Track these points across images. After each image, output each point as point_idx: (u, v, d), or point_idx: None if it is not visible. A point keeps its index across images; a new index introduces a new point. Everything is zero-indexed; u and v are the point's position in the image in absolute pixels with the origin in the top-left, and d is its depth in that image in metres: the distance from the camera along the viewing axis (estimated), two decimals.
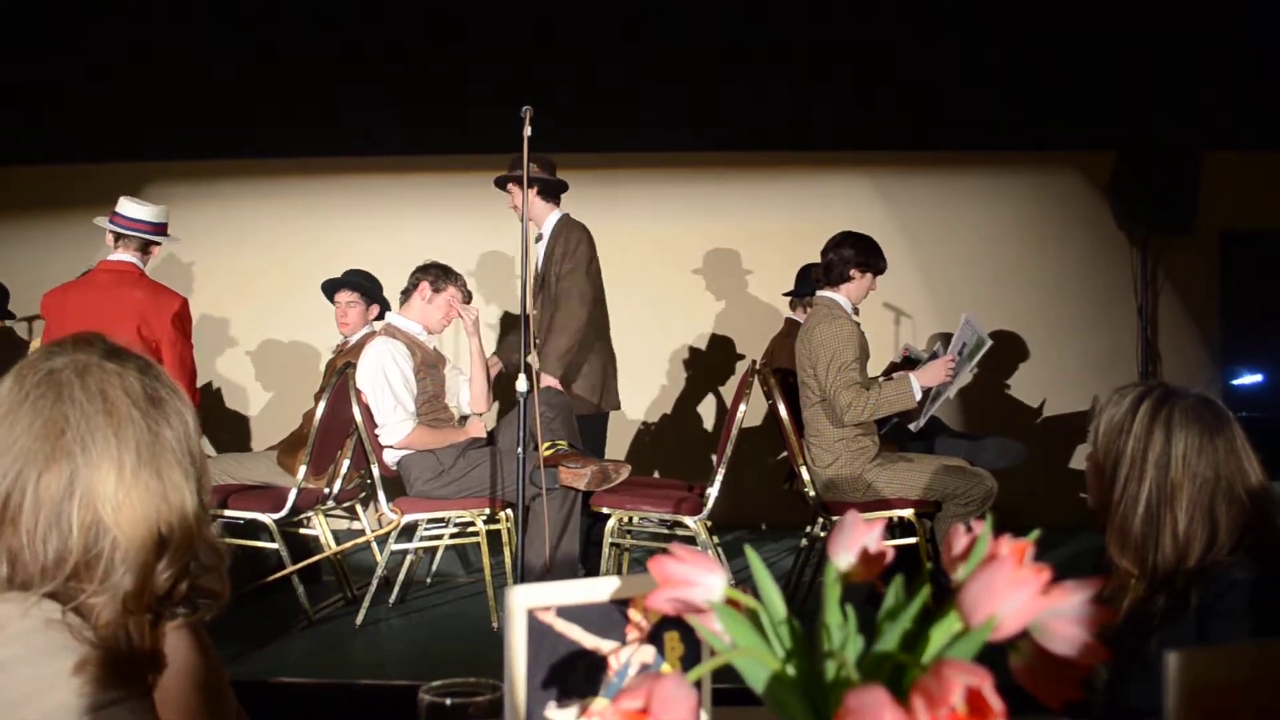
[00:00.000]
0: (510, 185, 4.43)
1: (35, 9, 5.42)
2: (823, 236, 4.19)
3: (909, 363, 4.62)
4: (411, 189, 6.19)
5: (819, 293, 4.17)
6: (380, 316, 4.75)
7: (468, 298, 4.42)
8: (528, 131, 3.48)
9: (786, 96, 5.65)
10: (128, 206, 4.12)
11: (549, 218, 4.47)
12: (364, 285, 4.76)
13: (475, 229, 5.87)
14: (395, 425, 4.10)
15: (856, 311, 4.13)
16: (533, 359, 3.85)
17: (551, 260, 4.39)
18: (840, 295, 4.08)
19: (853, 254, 4.08)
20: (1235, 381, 5.61)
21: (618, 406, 4.59)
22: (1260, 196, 5.62)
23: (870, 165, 6.14)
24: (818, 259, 4.21)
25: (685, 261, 6.02)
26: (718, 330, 6.18)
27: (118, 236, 4.10)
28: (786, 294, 5.23)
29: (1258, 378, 5.59)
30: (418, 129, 5.83)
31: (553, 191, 4.48)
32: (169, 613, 1.19)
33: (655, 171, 6.20)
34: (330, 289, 4.80)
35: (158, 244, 4.19)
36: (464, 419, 4.43)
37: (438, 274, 4.34)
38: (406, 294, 4.37)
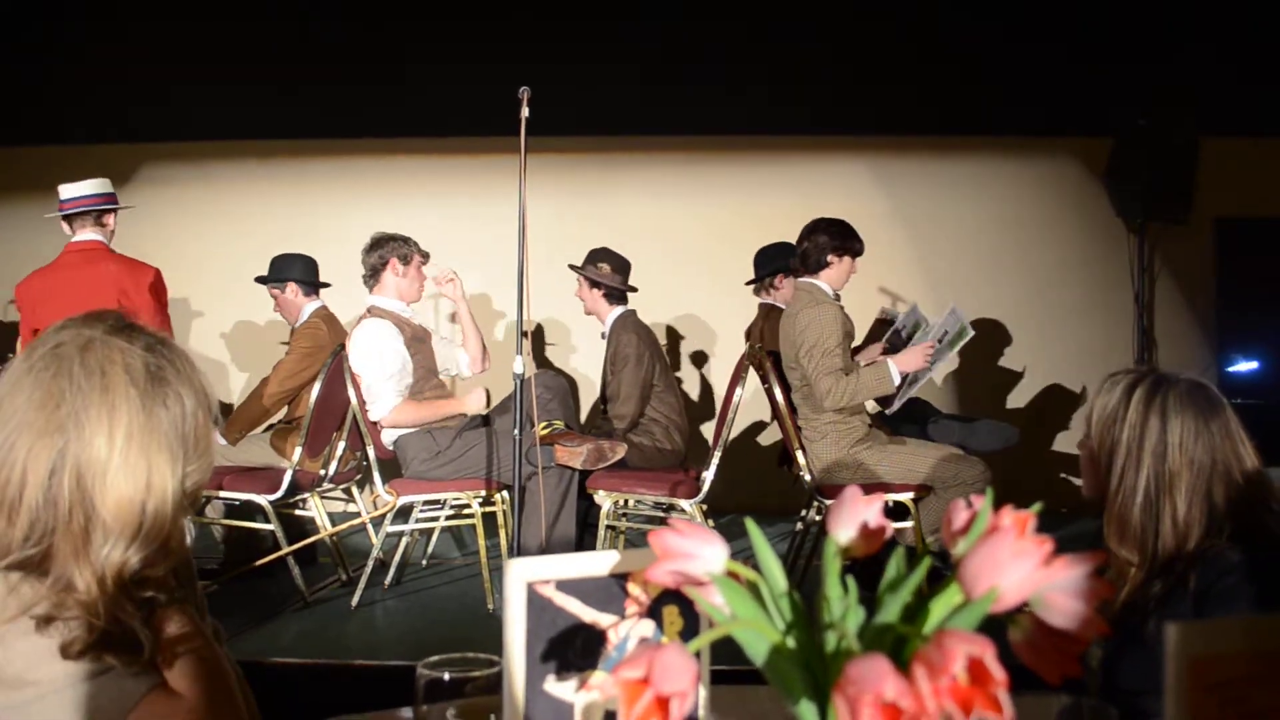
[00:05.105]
0: (579, 278, 4.52)
1: None
2: None
3: (887, 325, 4.61)
4: (408, 171, 6.16)
5: (800, 279, 4.13)
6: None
7: (425, 256, 4.35)
8: (525, 113, 3.47)
9: (784, 80, 5.63)
10: (65, 189, 4.22)
11: (610, 315, 4.51)
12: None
13: (470, 211, 5.85)
14: (381, 400, 4.08)
15: (838, 297, 4.10)
16: (527, 344, 3.85)
17: (610, 359, 4.48)
18: (821, 281, 4.07)
19: (827, 240, 4.05)
20: (1231, 368, 5.61)
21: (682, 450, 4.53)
22: (1256, 183, 5.62)
23: (867, 150, 6.12)
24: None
25: (680, 244, 6.00)
26: (712, 313, 6.17)
27: (70, 219, 4.18)
28: (749, 283, 4.94)
29: (1253, 364, 5.60)
30: (414, 110, 5.80)
31: (618, 295, 4.51)
32: (151, 597, 1.18)
33: (652, 154, 6.17)
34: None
35: (109, 213, 4.25)
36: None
37: (400, 244, 4.26)
38: (375, 275, 4.27)
